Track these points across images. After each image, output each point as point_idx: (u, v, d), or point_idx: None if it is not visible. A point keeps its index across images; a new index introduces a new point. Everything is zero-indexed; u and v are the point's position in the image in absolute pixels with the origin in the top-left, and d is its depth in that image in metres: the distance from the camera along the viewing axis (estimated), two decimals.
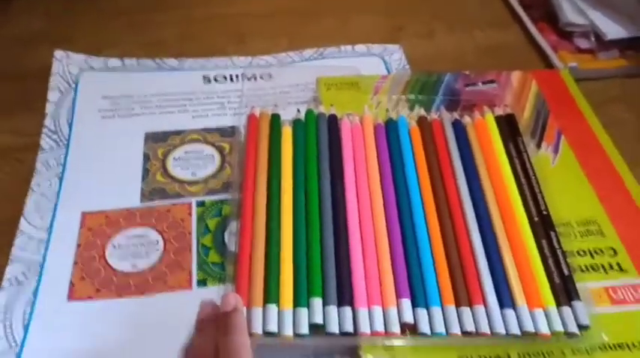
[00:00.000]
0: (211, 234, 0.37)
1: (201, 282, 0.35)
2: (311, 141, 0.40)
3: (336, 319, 0.31)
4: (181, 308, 0.31)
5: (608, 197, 0.40)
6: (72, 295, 0.34)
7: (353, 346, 0.32)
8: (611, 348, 0.33)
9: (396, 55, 0.51)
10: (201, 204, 0.39)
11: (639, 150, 0.44)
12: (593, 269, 0.36)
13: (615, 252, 0.37)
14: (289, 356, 0.32)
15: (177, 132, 0.43)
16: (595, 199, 0.40)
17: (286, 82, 0.47)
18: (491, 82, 0.46)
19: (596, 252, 0.37)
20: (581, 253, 0.37)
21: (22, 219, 0.37)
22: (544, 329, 0.32)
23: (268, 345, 0.30)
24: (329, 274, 0.33)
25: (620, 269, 0.36)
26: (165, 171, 0.40)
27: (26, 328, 0.32)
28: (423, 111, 0.42)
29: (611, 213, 0.39)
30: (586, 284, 0.35)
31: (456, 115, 0.42)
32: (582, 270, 0.36)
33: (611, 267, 0.36)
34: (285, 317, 0.31)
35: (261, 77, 0.47)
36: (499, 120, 0.42)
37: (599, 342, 0.32)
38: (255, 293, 0.32)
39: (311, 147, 0.39)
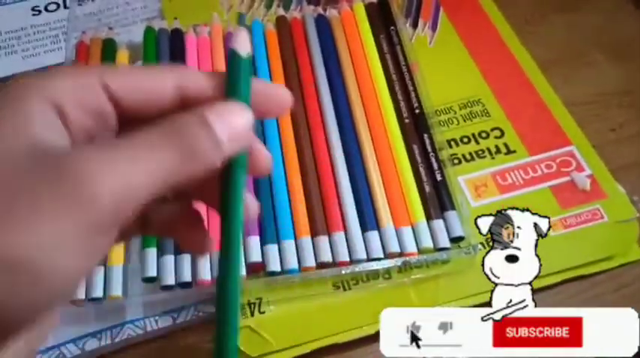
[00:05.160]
0: None
1: None
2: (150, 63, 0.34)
3: (172, 270, 0.28)
4: None
5: (492, 70, 0.35)
6: None
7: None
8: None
9: None
10: None
11: (528, 11, 0.38)
12: (478, 156, 0.32)
13: (502, 133, 0.33)
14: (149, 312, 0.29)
15: (5, 79, 0.37)
16: (478, 75, 0.35)
17: None
18: None
19: (481, 135, 0.33)
20: (465, 140, 0.33)
21: None
22: (410, 248, 0.28)
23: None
24: None
25: (508, 150, 0.32)
26: None
27: None
28: (281, 10, 0.36)
29: (497, 88, 0.34)
30: (471, 175, 0.31)
31: (319, 10, 0.36)
32: (467, 159, 0.32)
33: (498, 149, 0.32)
34: (114, 277, 0.27)
35: None
36: (370, 8, 0.35)
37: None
38: None
39: None
